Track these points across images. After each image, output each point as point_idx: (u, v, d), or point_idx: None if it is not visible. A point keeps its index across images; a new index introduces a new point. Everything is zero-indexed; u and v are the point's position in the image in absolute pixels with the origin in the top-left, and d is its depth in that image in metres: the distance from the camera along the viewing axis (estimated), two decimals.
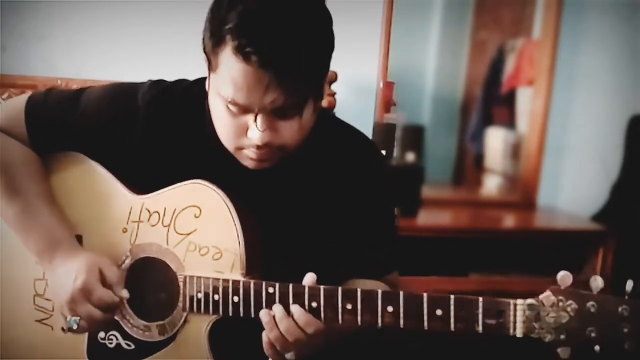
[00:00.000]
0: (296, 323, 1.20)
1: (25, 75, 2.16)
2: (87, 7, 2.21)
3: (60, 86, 2.11)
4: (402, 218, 2.49)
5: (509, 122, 3.18)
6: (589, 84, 3.01)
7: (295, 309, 1.21)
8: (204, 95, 1.28)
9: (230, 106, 1.19)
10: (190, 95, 1.35)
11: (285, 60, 1.13)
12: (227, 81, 1.17)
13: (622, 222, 2.80)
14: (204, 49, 1.21)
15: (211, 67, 1.21)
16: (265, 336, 1.24)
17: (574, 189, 3.06)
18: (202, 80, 1.32)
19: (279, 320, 1.21)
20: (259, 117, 1.18)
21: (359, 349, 1.45)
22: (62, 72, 2.20)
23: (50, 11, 2.19)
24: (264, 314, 1.23)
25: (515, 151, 3.15)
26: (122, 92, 1.39)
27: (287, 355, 1.23)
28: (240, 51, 1.12)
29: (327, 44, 1.22)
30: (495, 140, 3.18)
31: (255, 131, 1.19)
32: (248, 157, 1.25)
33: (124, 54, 2.25)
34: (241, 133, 1.22)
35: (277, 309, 1.22)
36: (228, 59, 1.15)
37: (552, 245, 2.68)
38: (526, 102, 3.09)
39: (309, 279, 1.22)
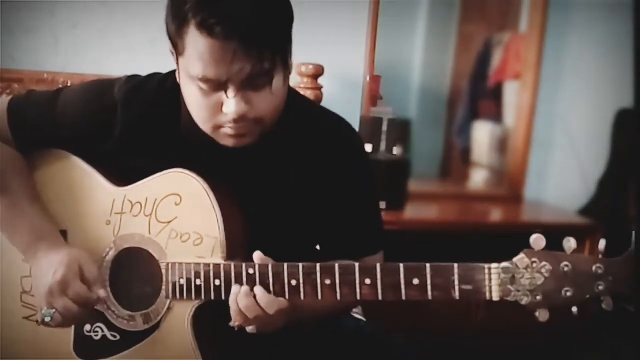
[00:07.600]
0: (258, 303, 1.22)
1: (10, 69, 2.16)
2: (73, 0, 2.21)
3: (47, 80, 2.11)
4: (388, 212, 2.50)
5: (496, 115, 3.17)
6: (576, 78, 3.02)
7: (257, 290, 1.23)
8: (177, 85, 1.30)
9: (202, 84, 1.21)
10: (164, 87, 1.38)
11: (249, 28, 1.14)
12: (195, 59, 1.18)
13: (608, 216, 2.82)
14: (169, 34, 1.23)
15: (178, 51, 1.22)
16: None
17: (560, 183, 3.07)
18: (174, 72, 1.33)
19: (240, 298, 1.23)
20: (230, 87, 1.20)
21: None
22: (48, 65, 2.20)
23: (36, 4, 2.19)
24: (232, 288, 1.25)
25: (501, 145, 3.15)
26: (99, 88, 1.41)
27: (248, 329, 1.26)
28: (204, 25, 1.14)
29: (286, 13, 1.23)
30: (482, 133, 3.18)
31: (229, 103, 1.21)
32: (226, 134, 1.26)
33: (111, 47, 2.26)
34: (216, 111, 1.23)
35: (236, 288, 1.24)
36: (193, 36, 1.17)
37: None
38: (513, 95, 3.09)
39: (257, 256, 1.24)
